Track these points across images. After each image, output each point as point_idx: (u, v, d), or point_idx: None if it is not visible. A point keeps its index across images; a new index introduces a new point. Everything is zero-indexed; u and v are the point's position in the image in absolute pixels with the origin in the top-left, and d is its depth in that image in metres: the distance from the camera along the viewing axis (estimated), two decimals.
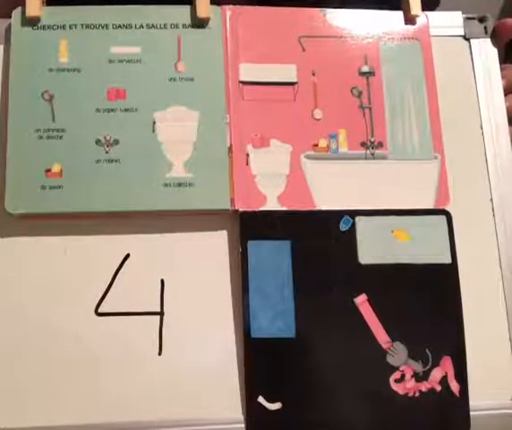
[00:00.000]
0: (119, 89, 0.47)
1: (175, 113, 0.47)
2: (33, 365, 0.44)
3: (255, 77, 0.49)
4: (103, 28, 0.48)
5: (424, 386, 0.45)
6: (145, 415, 0.43)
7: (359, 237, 0.47)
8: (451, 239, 0.47)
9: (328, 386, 0.44)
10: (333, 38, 0.50)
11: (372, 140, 0.49)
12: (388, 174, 0.48)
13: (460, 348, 0.45)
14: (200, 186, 0.46)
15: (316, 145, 0.48)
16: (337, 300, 0.45)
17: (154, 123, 0.47)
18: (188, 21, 0.49)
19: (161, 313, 0.45)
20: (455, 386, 0.45)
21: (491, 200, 0.49)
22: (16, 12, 0.48)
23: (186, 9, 0.49)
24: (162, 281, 0.46)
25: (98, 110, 0.47)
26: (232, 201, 0.46)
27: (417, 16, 0.51)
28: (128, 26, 0.48)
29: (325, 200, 0.47)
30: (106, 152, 0.46)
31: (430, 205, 0.48)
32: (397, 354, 0.45)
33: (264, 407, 0.44)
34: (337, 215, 0.47)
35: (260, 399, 0.44)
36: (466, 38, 0.52)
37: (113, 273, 0.45)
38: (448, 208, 0.48)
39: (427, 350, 0.45)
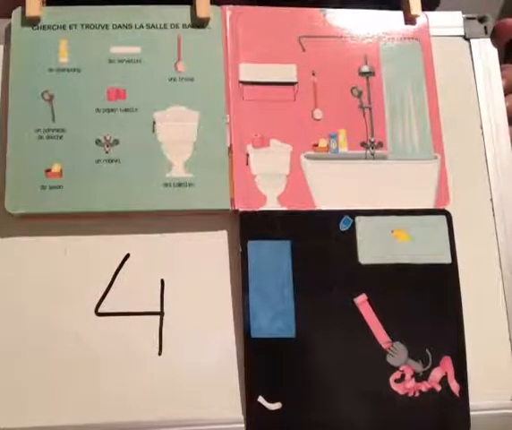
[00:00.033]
0: (119, 89, 0.47)
1: (175, 113, 0.47)
2: (33, 365, 0.44)
3: (255, 77, 0.49)
4: (103, 28, 0.48)
5: (424, 386, 0.45)
6: (145, 415, 0.43)
7: (359, 237, 0.47)
8: (451, 239, 0.47)
9: (328, 386, 0.44)
10: (333, 38, 0.50)
11: (372, 140, 0.49)
12: (388, 174, 0.48)
13: (460, 348, 0.45)
14: (200, 186, 0.46)
15: (316, 145, 0.48)
16: (337, 300, 0.45)
17: (154, 123, 0.47)
18: (188, 21, 0.49)
19: (161, 314, 0.45)
20: (455, 386, 0.45)
21: (491, 200, 0.49)
22: (16, 12, 0.48)
23: (186, 9, 0.49)
24: (162, 281, 0.46)
25: (97, 110, 0.47)
26: (232, 201, 0.46)
27: (417, 16, 0.51)
28: (128, 26, 0.48)
29: (325, 200, 0.47)
30: (106, 152, 0.46)
31: (430, 205, 0.48)
32: (397, 354, 0.45)
33: (264, 407, 0.44)
34: (337, 215, 0.47)
35: (260, 399, 0.44)
36: (466, 38, 0.52)
37: (113, 273, 0.45)
38: (448, 208, 0.48)
39: (427, 350, 0.45)
